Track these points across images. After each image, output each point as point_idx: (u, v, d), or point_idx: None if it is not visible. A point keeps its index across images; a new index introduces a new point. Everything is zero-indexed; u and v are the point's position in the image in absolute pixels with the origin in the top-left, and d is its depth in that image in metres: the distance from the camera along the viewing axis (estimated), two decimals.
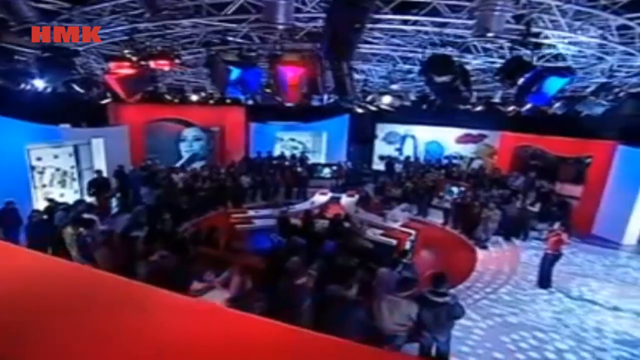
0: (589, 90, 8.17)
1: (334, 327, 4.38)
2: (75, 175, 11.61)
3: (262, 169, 14.40)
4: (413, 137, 17.43)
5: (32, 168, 10.51)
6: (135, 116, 13.12)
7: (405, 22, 4.55)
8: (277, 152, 16.49)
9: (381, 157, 17.18)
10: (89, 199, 10.33)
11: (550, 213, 10.41)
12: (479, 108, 12.73)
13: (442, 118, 15.75)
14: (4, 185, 8.77)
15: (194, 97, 13.35)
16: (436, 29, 4.77)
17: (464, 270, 9.00)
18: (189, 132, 15.73)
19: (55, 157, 10.84)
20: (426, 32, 5.43)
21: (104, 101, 8.59)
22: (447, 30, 4.93)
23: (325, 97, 9.56)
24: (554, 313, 7.15)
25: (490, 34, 3.25)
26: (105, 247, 5.37)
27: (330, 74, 5.51)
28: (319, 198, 12.27)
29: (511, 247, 10.32)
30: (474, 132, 15.94)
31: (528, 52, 8.13)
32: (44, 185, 10.72)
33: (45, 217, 8.56)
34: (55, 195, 10.58)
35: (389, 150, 17.77)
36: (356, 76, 9.16)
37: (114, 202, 10.87)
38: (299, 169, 14.94)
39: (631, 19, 5.28)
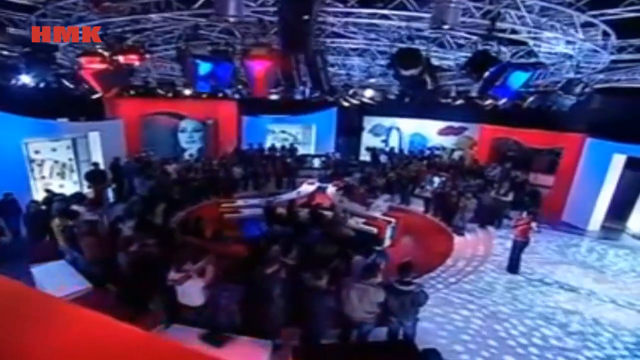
0: (559, 85, 8.04)
1: (306, 315, 4.34)
2: (74, 167, 11.41)
3: (253, 160, 14.23)
4: (398, 129, 17.31)
5: (32, 161, 10.32)
6: (131, 110, 12.87)
7: (374, 15, 4.37)
8: (268, 144, 16.27)
9: (368, 149, 17.05)
10: (87, 191, 10.17)
11: (522, 202, 10.38)
12: (459, 102, 12.58)
13: (425, 111, 15.67)
14: (4, 177, 8.60)
15: (187, 92, 13.06)
16: (404, 23, 4.59)
17: (441, 255, 9.02)
18: (188, 124, 15.45)
19: (54, 150, 10.65)
20: (399, 27, 5.25)
21: (95, 96, 8.32)
22: (417, 25, 4.77)
23: (307, 91, 9.33)
24: (513, 294, 7.24)
25: (446, 26, 3.10)
26: (89, 237, 5.24)
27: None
28: (306, 188, 12.14)
29: (486, 234, 10.32)
30: (455, 124, 15.85)
31: (503, 47, 8.06)
32: (43, 177, 10.54)
33: (43, 207, 8.42)
34: (55, 187, 10.42)
35: (376, 142, 17.64)
36: (338, 70, 8.97)
37: (110, 193, 10.64)
38: (289, 160, 14.77)
39: (595, 16, 5.15)
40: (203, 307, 4.49)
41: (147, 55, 4.72)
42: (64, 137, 10.87)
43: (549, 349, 5.67)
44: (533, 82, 10.30)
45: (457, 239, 10.08)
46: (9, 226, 7.95)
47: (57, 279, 5.50)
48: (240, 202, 10.49)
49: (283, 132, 17.63)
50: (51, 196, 8.74)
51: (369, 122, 17.90)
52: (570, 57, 6.62)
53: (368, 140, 17.93)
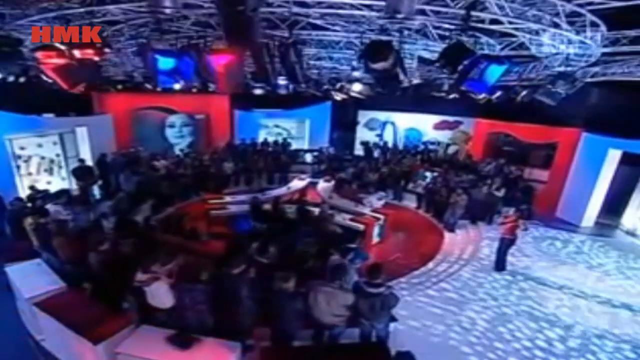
0: (548, 79, 7.82)
1: (275, 317, 4.24)
2: (62, 163, 11.32)
3: (245, 155, 14.08)
4: (393, 123, 17.10)
5: (19, 157, 10.23)
6: (120, 105, 12.74)
7: (345, 5, 4.17)
8: (261, 138, 16.12)
9: (362, 143, 16.85)
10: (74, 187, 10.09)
11: (514, 198, 10.21)
12: (452, 96, 12.35)
13: (420, 105, 15.41)
14: None
15: (177, 86, 12.88)
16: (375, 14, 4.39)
17: (429, 252, 8.90)
18: (176, 119, 15.26)
19: (39, 145, 10.54)
20: (379, 17, 5.04)
21: (76, 90, 8.15)
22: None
23: (291, 85, 9.13)
24: (497, 293, 7.15)
25: (400, 15, 2.93)
26: (58, 237, 5.14)
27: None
28: (296, 183, 12.04)
29: (476, 230, 10.18)
30: (450, 119, 15.62)
31: (491, 40, 7.81)
32: (29, 174, 10.44)
33: (29, 204, 8.32)
34: (42, 183, 10.34)
35: (370, 136, 17.44)
36: (325, 64, 8.78)
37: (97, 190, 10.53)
38: (281, 155, 14.63)
39: (581, 5, 4.94)
40: (172, 309, 4.40)
41: (107, 50, 4.56)
42: (50, 133, 10.76)
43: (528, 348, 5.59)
44: (526, 76, 10.13)
45: (447, 236, 9.96)
46: None
47: (31, 278, 5.43)
48: (228, 199, 10.39)
49: (277, 126, 17.46)
50: (35, 193, 8.65)
51: (364, 116, 17.68)
52: (559, 49, 6.41)
53: (363, 134, 17.73)
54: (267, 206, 9.22)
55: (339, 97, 12.98)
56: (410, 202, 12.47)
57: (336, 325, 4.14)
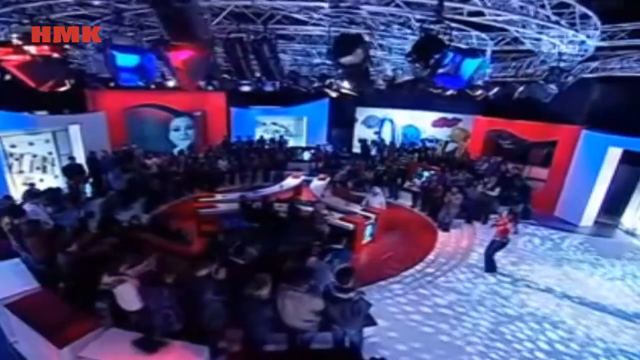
0: (542, 74, 7.54)
1: (244, 323, 4.10)
2: (56, 162, 11.28)
3: (240, 152, 13.96)
4: (391, 120, 16.85)
5: (11, 155, 10.21)
6: (114, 102, 12.64)
7: None
8: (258, 136, 15.98)
9: (360, 141, 16.64)
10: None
11: (510, 197, 9.95)
12: (449, 92, 12.07)
13: (419, 102, 15.14)
14: None
15: (171, 83, 12.79)
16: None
17: (422, 252, 8.72)
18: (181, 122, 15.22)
19: (31, 144, 10.49)
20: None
21: (62, 89, 8.06)
22: (370, 8, 4.35)
23: (277, 82, 8.94)
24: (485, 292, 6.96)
25: (343, 4, 2.75)
26: (32, 237, 5.06)
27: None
28: (290, 181, 11.89)
29: (471, 230, 9.94)
30: (449, 116, 15.33)
31: (483, 34, 7.54)
32: (21, 172, 10.41)
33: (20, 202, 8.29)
34: (35, 181, 10.31)
35: (369, 133, 17.21)
36: (314, 60, 8.59)
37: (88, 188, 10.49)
38: (277, 153, 14.51)
39: None
40: (140, 311, 4.29)
41: (67, 46, 4.42)
42: (43, 131, 10.71)
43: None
44: (524, 71, 9.83)
45: (441, 235, 9.75)
46: None
47: (6, 278, 5.35)
48: (219, 197, 10.26)
49: (274, 123, 17.32)
50: (28, 192, 8.62)
51: (362, 113, 17.45)
52: (550, 44, 6.14)
53: (361, 132, 17.52)
54: (257, 204, 9.11)
55: (333, 94, 12.82)
56: (406, 200, 12.27)
57: (306, 330, 3.99)
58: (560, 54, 6.54)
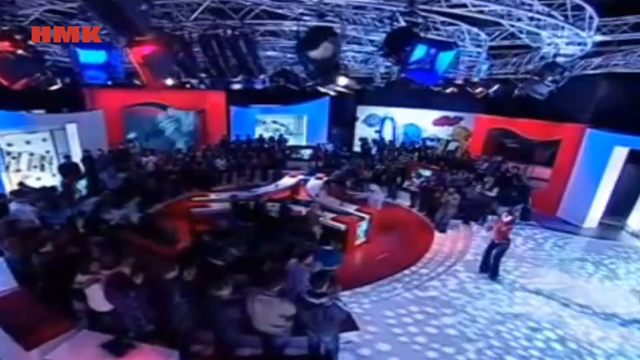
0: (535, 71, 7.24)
1: (213, 325, 3.98)
2: (54, 160, 11.32)
3: (238, 151, 13.87)
4: (392, 119, 16.57)
5: (8, 153, 10.26)
6: (112, 101, 12.64)
7: None
8: (258, 135, 15.86)
9: (361, 139, 16.43)
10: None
11: (509, 197, 9.65)
12: (449, 90, 11.80)
13: (420, 100, 14.88)
14: None
15: (169, 82, 12.72)
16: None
17: (417, 253, 8.50)
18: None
19: (27, 142, 10.52)
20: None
21: (53, 87, 8.07)
22: (341, 1, 4.14)
23: (267, 79, 8.76)
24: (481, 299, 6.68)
25: None
26: (10, 237, 5.01)
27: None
28: (286, 181, 11.77)
29: (468, 231, 9.68)
30: (451, 114, 15.02)
31: (475, 29, 7.25)
32: (18, 170, 10.45)
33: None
34: (32, 179, 10.37)
35: (370, 132, 16.98)
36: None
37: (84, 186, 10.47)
38: (275, 151, 14.39)
39: None
40: (111, 313, 4.19)
41: (30, 42, 4.31)
42: (40, 130, 10.75)
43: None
44: (524, 68, 9.50)
45: (437, 236, 9.51)
46: None
47: None
48: (212, 196, 10.18)
49: (275, 122, 17.20)
50: (18, 190, 8.64)
51: (363, 111, 17.22)
52: (545, 38, 5.86)
53: (362, 130, 17.29)
54: (251, 204, 8.98)
55: (325, 91, 12.54)
56: (405, 200, 12.04)
57: (277, 335, 3.84)
58: (555, 48, 6.25)
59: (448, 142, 15.10)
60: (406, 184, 12.37)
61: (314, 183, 11.55)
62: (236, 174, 13.45)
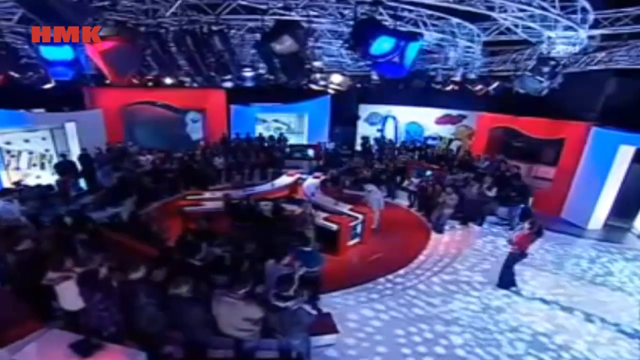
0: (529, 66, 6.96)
1: (180, 325, 3.89)
2: (54, 158, 11.44)
3: (238, 150, 13.82)
4: (394, 118, 16.32)
5: (7, 152, 10.41)
6: (111, 100, 12.74)
7: None
8: (258, 133, 15.81)
9: (362, 138, 16.25)
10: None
11: (508, 198, 9.36)
12: (449, 88, 11.53)
13: (423, 99, 14.59)
14: None
15: (168, 80, 12.77)
16: None
17: (410, 255, 8.30)
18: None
19: (26, 141, 10.64)
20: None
21: (47, 86, 8.13)
22: None
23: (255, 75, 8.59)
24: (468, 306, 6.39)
25: None
26: None
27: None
28: (283, 180, 11.66)
29: (465, 232, 9.44)
30: (453, 112, 14.70)
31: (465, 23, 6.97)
32: (17, 168, 10.58)
33: None
34: (32, 178, 10.50)
35: (372, 131, 16.77)
36: None
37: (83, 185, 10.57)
38: (275, 150, 14.31)
39: None
40: (82, 311, 4.14)
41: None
42: (39, 128, 10.87)
43: None
44: (524, 65, 9.18)
45: (433, 237, 9.28)
46: None
47: None
48: (207, 195, 10.13)
49: (276, 121, 17.12)
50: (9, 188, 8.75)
51: (365, 110, 17.01)
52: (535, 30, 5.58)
53: (364, 129, 17.10)
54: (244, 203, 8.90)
55: (330, 90, 12.44)
56: (404, 200, 11.82)
57: (245, 339, 3.73)
58: (550, 43, 5.98)
59: (450, 140, 14.81)
60: (405, 183, 12.16)
61: (310, 182, 11.41)
62: (235, 173, 13.44)
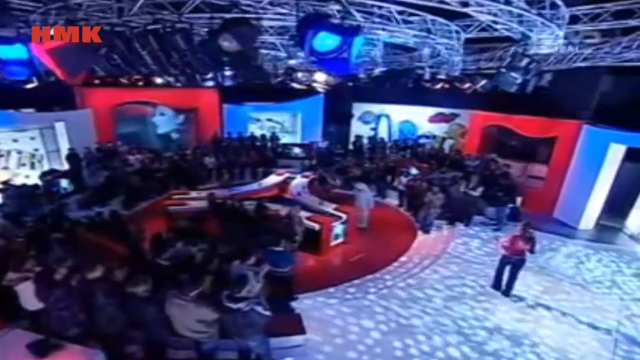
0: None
1: (139, 325, 3.90)
2: (44, 158, 11.54)
3: (228, 149, 13.84)
4: (387, 116, 16.22)
5: None
6: (103, 100, 12.79)
7: None
8: (250, 132, 15.80)
9: (356, 137, 16.15)
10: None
11: (495, 197, 9.27)
12: (439, 86, 11.47)
13: (416, 97, 14.47)
14: None
15: (159, 80, 12.82)
16: None
17: (393, 255, 8.24)
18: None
19: (15, 140, 10.73)
20: None
21: (29, 85, 8.19)
22: None
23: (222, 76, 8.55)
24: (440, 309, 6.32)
25: None
26: None
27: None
28: (271, 179, 11.63)
29: (451, 232, 9.36)
30: (446, 111, 14.56)
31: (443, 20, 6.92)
32: (5, 168, 10.67)
33: None
34: (21, 177, 10.59)
35: (365, 130, 16.67)
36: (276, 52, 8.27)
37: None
38: (266, 149, 14.31)
39: None
40: (42, 311, 4.17)
41: None
42: (28, 128, 10.95)
43: None
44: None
45: (419, 238, 9.23)
46: None
47: None
48: (194, 194, 10.15)
49: (269, 120, 17.10)
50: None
51: (359, 109, 16.92)
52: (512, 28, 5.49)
53: (358, 128, 17.00)
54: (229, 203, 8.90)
55: (320, 88, 12.42)
56: (394, 199, 11.76)
57: (199, 339, 3.73)
58: (524, 36, 5.89)
59: (444, 139, 14.68)
60: (396, 182, 12.09)
61: (298, 181, 11.38)
62: (226, 172, 13.46)
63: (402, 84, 10.61)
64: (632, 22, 5.90)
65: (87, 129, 12.06)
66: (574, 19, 6.07)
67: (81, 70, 4.12)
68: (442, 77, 9.11)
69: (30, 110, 11.43)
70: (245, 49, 3.82)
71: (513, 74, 6.12)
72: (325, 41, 3.43)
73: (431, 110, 14.94)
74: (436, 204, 9.34)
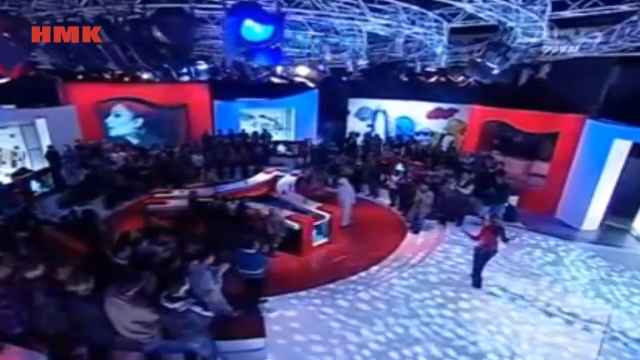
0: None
1: (79, 325, 3.89)
2: (26, 156, 11.70)
3: (217, 147, 13.86)
4: (384, 112, 16.09)
5: None
6: (86, 96, 12.91)
7: None
8: (241, 129, 15.80)
9: (351, 134, 16.07)
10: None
11: (488, 196, 9.09)
12: (433, 79, 11.32)
13: (414, 92, 14.31)
14: None
15: (145, 75, 12.90)
16: None
17: (379, 256, 8.14)
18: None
19: None
20: None
21: (1, 80, 8.27)
22: None
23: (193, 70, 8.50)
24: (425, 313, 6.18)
25: None
26: None
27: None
28: (258, 177, 11.61)
29: (441, 232, 9.21)
30: (445, 106, 14.38)
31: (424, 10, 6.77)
32: None
33: None
34: (1, 175, 10.73)
35: (362, 126, 16.58)
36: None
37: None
38: (257, 147, 14.30)
39: None
40: None
41: None
42: (8, 125, 11.09)
43: None
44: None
45: (408, 238, 9.10)
46: None
47: None
48: (176, 193, 10.18)
49: (262, 116, 17.10)
50: None
51: (355, 104, 16.82)
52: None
53: (355, 124, 16.91)
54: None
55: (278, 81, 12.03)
56: (386, 198, 11.64)
57: (139, 340, 3.70)
58: (500, 24, 5.73)
59: (442, 136, 14.49)
60: (387, 181, 11.97)
61: (286, 180, 11.34)
62: (215, 171, 13.48)
63: (394, 76, 10.43)
64: (623, 7, 5.69)
65: (70, 126, 12.18)
66: (562, 5, 5.88)
67: (15, 63, 4.12)
68: (431, 70, 8.94)
69: (11, 106, 11.56)
70: (178, 42, 3.76)
71: (489, 64, 5.95)
72: (252, 31, 3.35)
73: (429, 106, 14.79)
74: (426, 202, 9.19)
